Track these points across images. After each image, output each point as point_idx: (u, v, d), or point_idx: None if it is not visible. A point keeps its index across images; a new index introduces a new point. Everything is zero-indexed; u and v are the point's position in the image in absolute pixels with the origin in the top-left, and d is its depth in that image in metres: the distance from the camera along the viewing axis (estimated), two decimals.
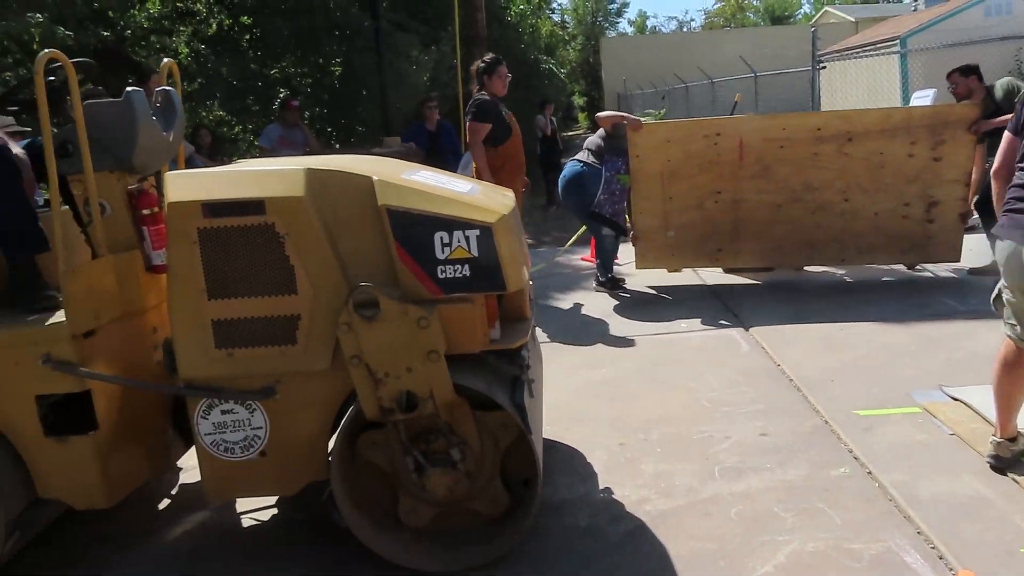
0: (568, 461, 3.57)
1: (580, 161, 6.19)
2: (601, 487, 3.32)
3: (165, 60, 3.23)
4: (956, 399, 3.93)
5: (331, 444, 2.82)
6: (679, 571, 2.72)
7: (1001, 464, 3.22)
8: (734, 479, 3.32)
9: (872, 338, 4.96)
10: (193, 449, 2.86)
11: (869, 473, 3.29)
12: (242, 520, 3.29)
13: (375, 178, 2.65)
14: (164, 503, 3.49)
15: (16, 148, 2.88)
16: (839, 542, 2.83)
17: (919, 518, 2.92)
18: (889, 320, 5.27)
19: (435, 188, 2.76)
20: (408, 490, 2.84)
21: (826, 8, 40.59)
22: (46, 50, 2.60)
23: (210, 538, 3.19)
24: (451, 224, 2.61)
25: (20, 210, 2.80)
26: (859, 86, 13.50)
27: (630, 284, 6.67)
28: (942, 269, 6.44)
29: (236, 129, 12.13)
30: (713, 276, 6.74)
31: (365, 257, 2.64)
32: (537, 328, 5.39)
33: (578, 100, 46.19)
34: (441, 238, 2.61)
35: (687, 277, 6.83)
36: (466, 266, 2.62)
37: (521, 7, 15.83)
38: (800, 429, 3.74)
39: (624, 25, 55.07)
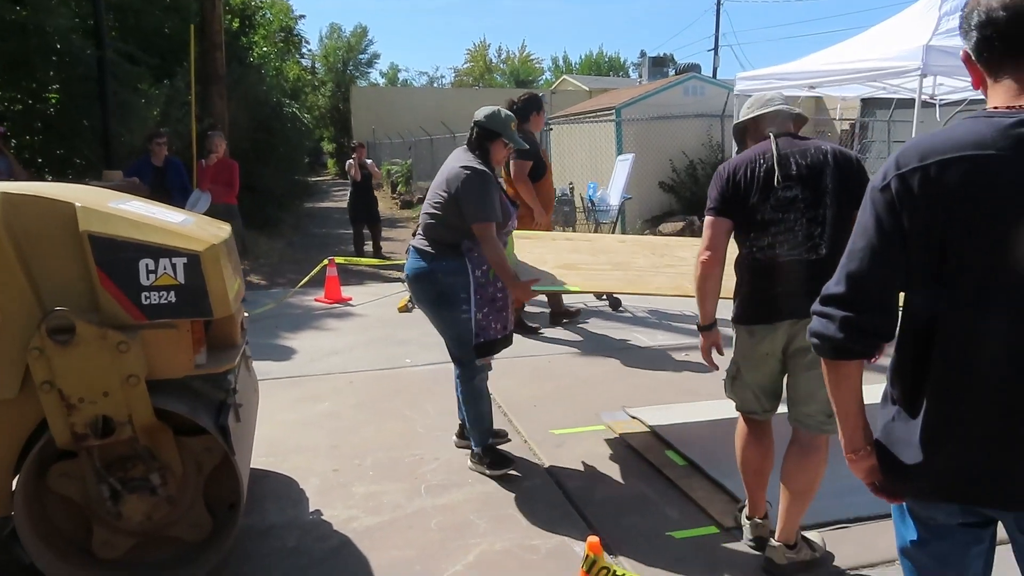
0: (281, 488, 3.66)
1: (421, 251, 3.73)
2: (311, 510, 3.46)
3: None
4: (634, 417, 4.57)
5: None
6: None
7: (758, 545, 3.09)
8: (438, 495, 3.61)
9: (574, 369, 5.59)
10: None
11: (556, 482, 3.75)
12: None
13: (78, 204, 2.64)
14: None
15: None
16: (523, 540, 3.21)
17: (591, 515, 3.41)
18: (590, 353, 5.96)
19: (143, 217, 2.80)
20: (103, 521, 2.79)
21: (564, 76, 44.38)
22: None
23: None
24: (157, 251, 2.67)
25: None
26: (583, 147, 14.95)
27: (370, 323, 6.87)
28: (639, 309, 7.39)
29: None
30: None
31: (64, 282, 2.61)
32: (265, 363, 5.42)
33: (327, 146, 46.00)
34: (146, 265, 2.66)
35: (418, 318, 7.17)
36: (172, 293, 2.68)
37: (264, 49, 15.68)
38: (504, 447, 4.14)
39: (376, 75, 55.89)
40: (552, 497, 3.60)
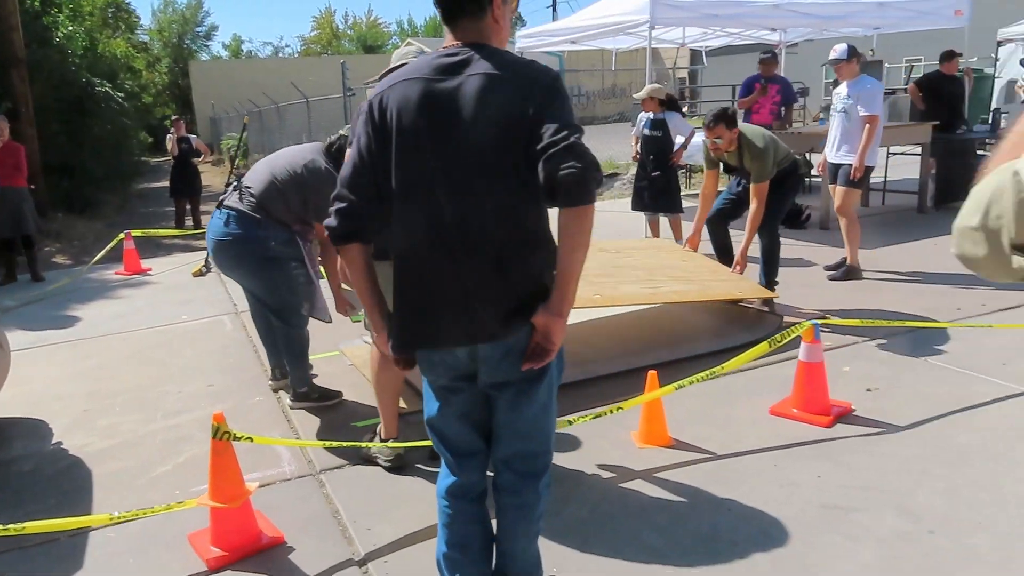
0: (32, 429, 4.20)
1: (246, 216, 3.78)
2: (53, 442, 4.03)
3: None
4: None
5: None
6: (96, 484, 3.56)
7: (395, 464, 3.48)
8: (170, 418, 4.25)
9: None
10: None
11: (278, 398, 4.44)
12: None
13: None
14: None
15: None
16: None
17: (296, 418, 4.15)
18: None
19: None
20: None
21: (409, 39, 44.25)
22: None
23: None
24: None
25: None
26: None
27: (161, 290, 7.32)
28: None
29: None
30: None
31: None
32: (45, 332, 5.86)
33: (170, 124, 44.36)
34: None
35: (210, 281, 7.67)
36: None
37: (69, 29, 15.22)
38: (241, 379, 4.80)
39: (219, 48, 54.08)
40: (270, 409, 4.31)
